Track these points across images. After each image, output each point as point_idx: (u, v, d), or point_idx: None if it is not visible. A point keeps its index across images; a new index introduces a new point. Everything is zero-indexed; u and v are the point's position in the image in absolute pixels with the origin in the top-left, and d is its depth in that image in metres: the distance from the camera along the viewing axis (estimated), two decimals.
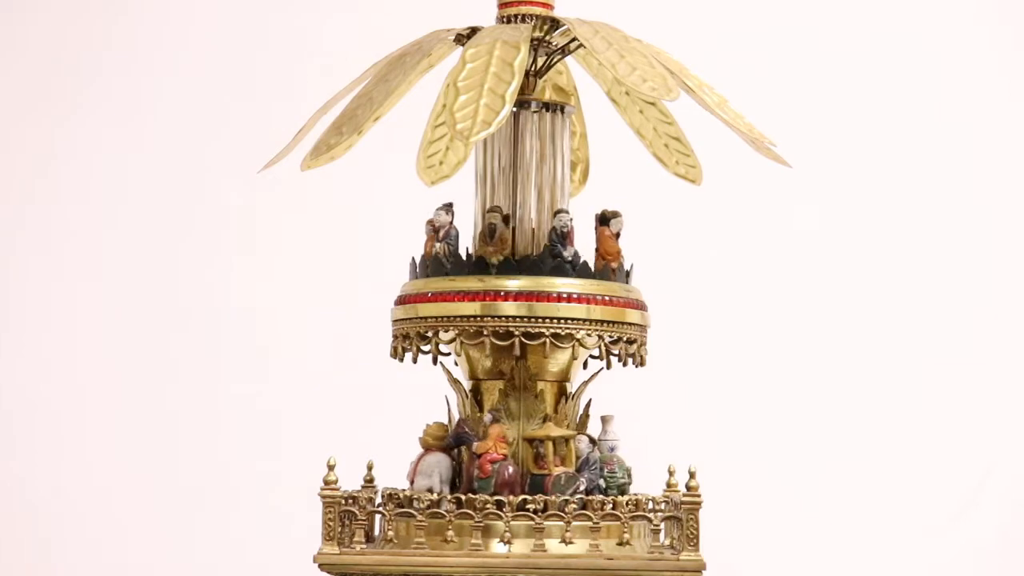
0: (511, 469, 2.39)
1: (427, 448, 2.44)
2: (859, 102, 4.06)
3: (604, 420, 2.48)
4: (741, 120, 2.40)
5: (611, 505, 2.36)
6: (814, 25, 4.08)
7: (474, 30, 2.46)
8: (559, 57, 2.49)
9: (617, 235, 2.47)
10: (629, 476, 2.44)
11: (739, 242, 4.01)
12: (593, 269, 2.42)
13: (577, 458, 2.42)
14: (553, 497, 2.34)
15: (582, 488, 2.37)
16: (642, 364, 2.49)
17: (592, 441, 2.43)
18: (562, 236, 2.43)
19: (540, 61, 2.47)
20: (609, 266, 2.44)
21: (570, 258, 2.41)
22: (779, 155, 2.48)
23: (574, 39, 2.44)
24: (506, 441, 2.41)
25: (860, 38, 4.08)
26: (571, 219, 2.44)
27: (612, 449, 2.44)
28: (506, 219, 2.46)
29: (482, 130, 2.13)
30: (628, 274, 2.49)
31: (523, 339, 2.36)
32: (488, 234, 2.42)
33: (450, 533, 2.34)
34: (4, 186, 4.07)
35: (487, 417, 2.44)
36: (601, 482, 2.41)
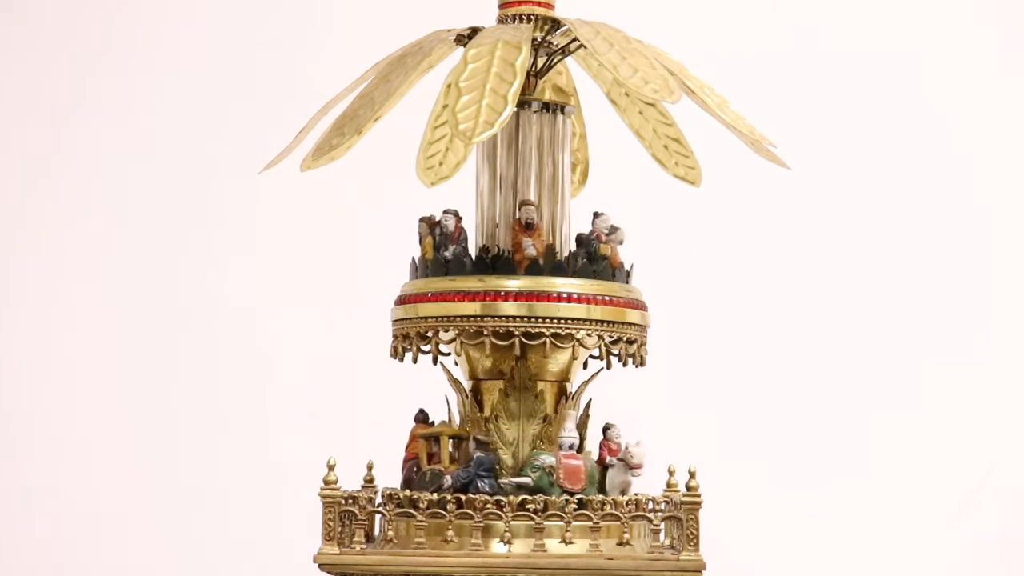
0: (415, 468, 2.44)
1: None
2: (859, 103, 4.05)
3: (564, 417, 2.46)
4: (741, 121, 2.40)
5: (611, 505, 2.36)
6: (814, 26, 4.08)
7: (475, 30, 2.46)
8: (559, 57, 2.49)
9: (526, 224, 2.42)
10: (550, 474, 2.37)
11: (739, 243, 4.01)
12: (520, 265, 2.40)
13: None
14: (418, 493, 2.37)
15: (446, 485, 2.37)
16: (642, 364, 2.49)
17: (477, 441, 2.40)
18: (445, 236, 2.44)
19: (540, 61, 2.47)
20: (514, 259, 2.41)
21: (450, 257, 2.41)
22: (779, 157, 2.48)
23: (574, 39, 2.44)
24: (420, 440, 2.45)
25: (860, 39, 4.08)
26: (453, 217, 2.44)
27: (561, 447, 2.42)
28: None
29: (484, 130, 2.13)
30: (628, 274, 2.49)
31: (523, 339, 2.36)
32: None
33: (450, 533, 2.34)
34: (4, 186, 4.07)
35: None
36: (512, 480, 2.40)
